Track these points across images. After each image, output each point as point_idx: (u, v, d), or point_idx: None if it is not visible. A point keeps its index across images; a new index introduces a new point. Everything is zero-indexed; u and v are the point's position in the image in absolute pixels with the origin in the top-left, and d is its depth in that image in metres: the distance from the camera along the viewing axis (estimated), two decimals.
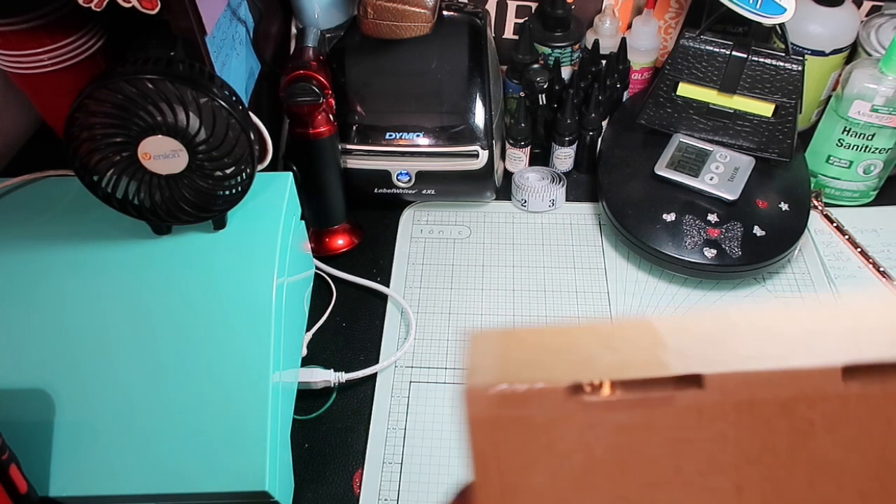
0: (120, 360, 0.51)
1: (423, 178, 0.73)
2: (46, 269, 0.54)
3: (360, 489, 0.56)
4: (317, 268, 0.70)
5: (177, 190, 0.51)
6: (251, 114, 0.54)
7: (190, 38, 0.58)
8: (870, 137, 0.69)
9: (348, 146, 0.71)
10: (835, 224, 0.74)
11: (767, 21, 0.66)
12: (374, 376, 0.64)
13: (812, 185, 0.74)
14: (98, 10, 0.54)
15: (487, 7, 0.84)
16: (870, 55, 0.73)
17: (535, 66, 0.77)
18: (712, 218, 0.68)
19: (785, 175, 0.72)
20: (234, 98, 0.51)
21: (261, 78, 0.73)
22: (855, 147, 0.71)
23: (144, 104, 0.47)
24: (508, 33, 0.87)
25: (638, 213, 0.70)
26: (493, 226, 0.76)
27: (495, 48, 0.78)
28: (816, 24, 0.73)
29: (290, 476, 0.55)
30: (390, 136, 0.72)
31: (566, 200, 0.78)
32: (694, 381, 0.20)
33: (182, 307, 0.52)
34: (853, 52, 0.76)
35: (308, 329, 0.66)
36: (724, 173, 0.71)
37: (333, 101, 0.67)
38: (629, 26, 0.83)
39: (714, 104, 0.72)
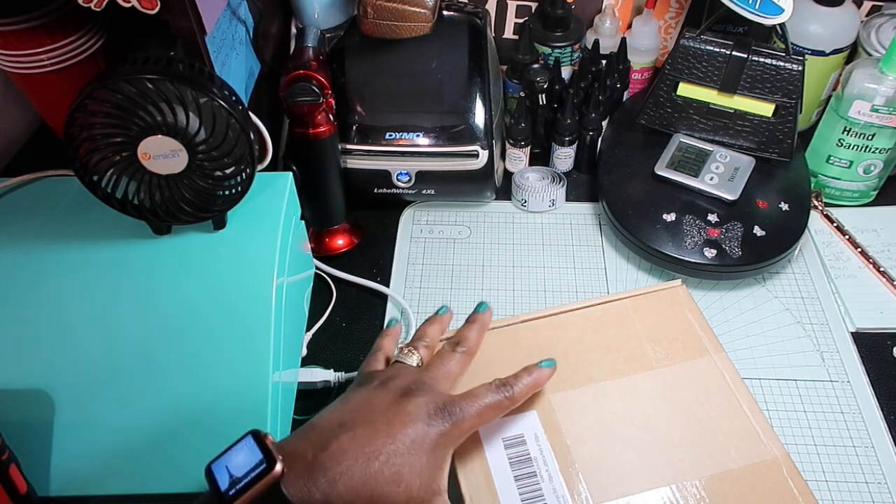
0: (120, 360, 0.51)
1: (423, 178, 0.73)
2: (46, 268, 0.54)
3: None
4: (317, 268, 0.70)
5: (177, 190, 0.51)
6: (251, 114, 0.54)
7: (190, 38, 0.58)
8: (870, 137, 0.69)
9: (348, 146, 0.71)
10: (835, 224, 0.74)
11: (766, 21, 0.66)
12: None
13: (812, 185, 0.74)
14: (98, 9, 0.54)
15: (487, 7, 0.84)
16: (870, 55, 0.73)
17: (535, 66, 0.77)
18: (712, 218, 0.68)
19: (785, 175, 0.72)
20: (234, 98, 0.51)
21: (261, 78, 0.73)
22: (855, 147, 0.71)
23: (144, 104, 0.47)
24: (508, 33, 0.87)
25: (638, 213, 0.70)
26: (493, 226, 0.76)
27: (495, 48, 0.78)
28: (816, 24, 0.73)
29: None
30: (390, 136, 0.72)
31: (566, 200, 0.78)
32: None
33: (182, 307, 0.52)
34: (853, 52, 0.76)
35: (308, 329, 0.66)
36: (724, 173, 0.71)
37: (333, 101, 0.67)
38: (629, 26, 0.83)
39: (714, 104, 0.72)
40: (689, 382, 0.51)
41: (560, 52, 0.79)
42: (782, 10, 0.65)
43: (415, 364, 0.50)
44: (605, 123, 0.80)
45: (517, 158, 0.79)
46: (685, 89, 0.73)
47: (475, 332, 0.54)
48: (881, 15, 0.77)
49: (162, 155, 0.49)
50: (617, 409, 0.50)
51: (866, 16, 0.79)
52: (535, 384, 0.49)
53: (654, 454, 0.48)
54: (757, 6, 0.66)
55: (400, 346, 0.53)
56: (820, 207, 0.76)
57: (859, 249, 0.71)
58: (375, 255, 0.74)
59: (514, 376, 0.49)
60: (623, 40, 0.80)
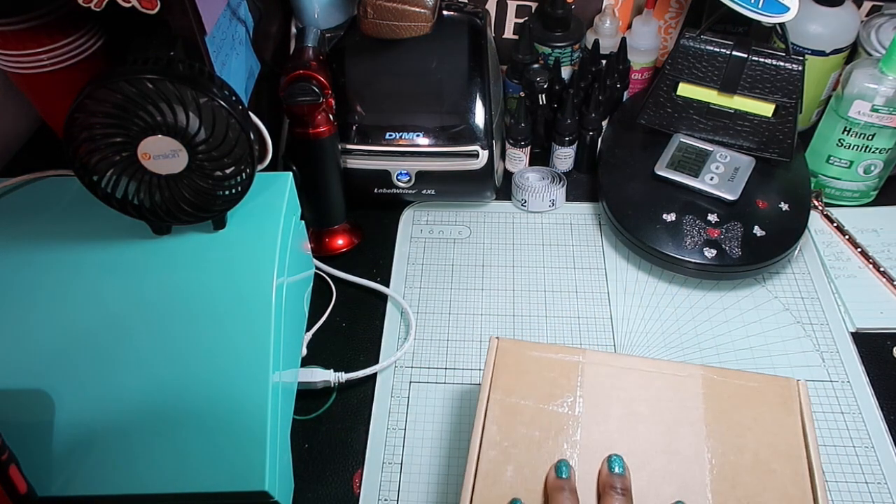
0: (119, 361, 0.51)
1: (423, 178, 0.73)
2: (46, 269, 0.54)
3: (360, 489, 0.56)
4: (317, 268, 0.70)
5: (177, 190, 0.51)
6: (251, 114, 0.54)
7: (190, 38, 0.58)
8: (870, 137, 0.69)
9: (348, 146, 0.71)
10: (835, 224, 0.74)
11: (770, 20, 0.66)
12: (374, 376, 0.64)
13: (812, 185, 0.74)
14: (98, 10, 0.54)
15: (487, 7, 0.84)
16: (870, 55, 0.73)
17: (535, 66, 0.77)
18: (712, 218, 0.68)
19: (785, 175, 0.72)
20: (234, 98, 0.51)
21: (261, 78, 0.73)
22: (855, 147, 0.71)
23: (144, 104, 0.47)
24: (508, 33, 0.87)
25: (638, 213, 0.70)
26: (493, 226, 0.76)
27: (495, 48, 0.78)
28: (816, 24, 0.73)
29: (290, 476, 0.55)
30: (390, 136, 0.72)
31: (566, 200, 0.78)
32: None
33: (182, 307, 0.52)
34: (853, 52, 0.76)
35: (308, 329, 0.66)
36: (724, 173, 0.71)
37: (333, 101, 0.67)
38: (629, 26, 0.83)
39: (714, 104, 0.72)
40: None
41: (560, 52, 0.79)
42: (788, 9, 0.65)
43: None
44: (605, 123, 0.80)
45: (517, 158, 0.79)
46: (685, 89, 0.73)
47: None
48: (881, 15, 0.77)
49: (162, 155, 0.49)
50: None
51: (866, 16, 0.79)
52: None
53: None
54: (760, 5, 0.66)
55: None
56: (820, 207, 0.76)
57: (859, 249, 0.71)
58: (375, 255, 0.74)
59: None
60: (623, 40, 0.80)
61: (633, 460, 0.48)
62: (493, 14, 0.85)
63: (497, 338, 0.54)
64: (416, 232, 0.76)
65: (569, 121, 0.76)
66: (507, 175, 0.80)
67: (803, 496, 0.46)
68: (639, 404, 0.51)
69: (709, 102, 0.72)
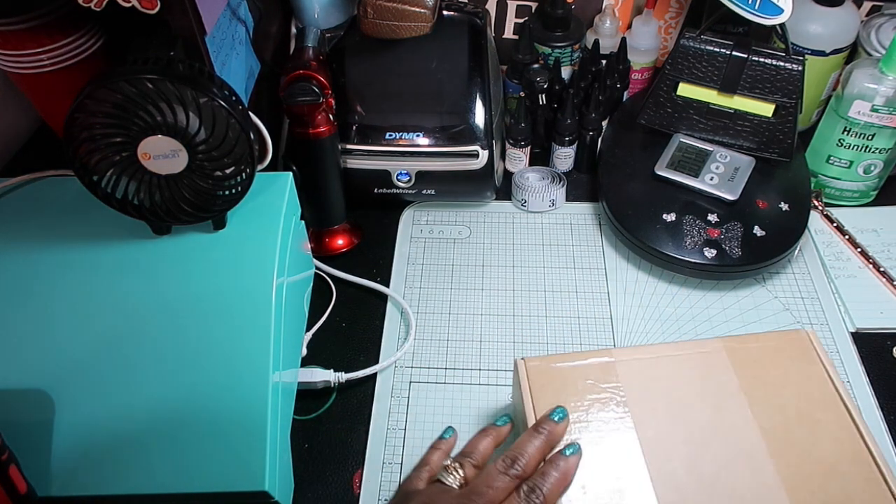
0: (119, 360, 0.51)
1: (423, 178, 0.73)
2: (46, 269, 0.54)
3: (360, 489, 0.56)
4: (317, 268, 0.70)
5: (177, 190, 0.51)
6: (251, 114, 0.54)
7: (190, 38, 0.58)
8: (870, 137, 0.69)
9: (348, 146, 0.71)
10: (835, 224, 0.74)
11: (765, 22, 0.66)
12: (374, 376, 0.64)
13: (812, 185, 0.74)
14: (98, 9, 0.54)
15: (487, 7, 0.84)
16: (870, 55, 0.73)
17: (535, 66, 0.77)
18: (712, 218, 0.68)
19: (785, 175, 0.72)
20: (234, 98, 0.51)
21: (261, 78, 0.73)
22: (855, 147, 0.71)
23: (144, 104, 0.47)
24: (508, 33, 0.87)
25: (638, 213, 0.70)
26: (493, 226, 0.76)
27: (495, 48, 0.78)
28: (816, 24, 0.73)
29: (290, 476, 0.55)
30: (390, 136, 0.72)
31: (566, 200, 0.78)
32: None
33: (182, 307, 0.52)
34: (853, 52, 0.76)
35: (308, 329, 0.66)
36: (724, 173, 0.71)
37: (333, 101, 0.67)
38: (629, 26, 0.83)
39: (714, 104, 0.72)
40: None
41: (560, 52, 0.79)
42: (782, 11, 0.65)
43: (456, 485, 0.46)
44: (605, 123, 0.80)
45: (517, 158, 0.79)
46: (685, 89, 0.73)
47: (537, 449, 0.46)
48: (881, 15, 0.77)
49: (162, 155, 0.49)
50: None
51: (866, 16, 0.79)
52: (565, 478, 0.45)
53: None
54: (756, 6, 0.66)
55: (446, 463, 0.48)
56: (820, 207, 0.76)
57: (859, 249, 0.71)
58: (375, 255, 0.74)
59: (540, 475, 0.45)
60: (623, 40, 0.80)
61: (693, 447, 0.48)
62: (493, 14, 0.85)
63: (523, 359, 0.53)
64: (416, 232, 0.76)
65: (569, 121, 0.76)
66: (507, 175, 0.80)
67: (852, 438, 0.48)
68: (678, 390, 0.51)
69: (709, 102, 0.72)
